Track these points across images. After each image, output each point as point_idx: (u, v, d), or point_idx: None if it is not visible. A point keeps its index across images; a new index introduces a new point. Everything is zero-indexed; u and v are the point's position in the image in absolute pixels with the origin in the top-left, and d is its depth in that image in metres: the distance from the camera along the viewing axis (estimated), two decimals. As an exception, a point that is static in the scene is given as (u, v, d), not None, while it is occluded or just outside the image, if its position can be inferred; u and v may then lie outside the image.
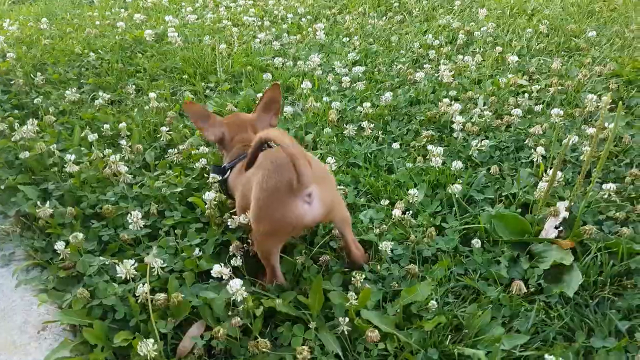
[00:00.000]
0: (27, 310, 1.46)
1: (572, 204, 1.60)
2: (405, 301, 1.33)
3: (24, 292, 1.53)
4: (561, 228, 1.53)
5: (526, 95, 2.34)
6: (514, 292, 1.35)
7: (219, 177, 1.67)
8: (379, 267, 1.47)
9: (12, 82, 2.69)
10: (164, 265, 1.42)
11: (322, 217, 1.29)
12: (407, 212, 1.64)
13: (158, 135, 2.16)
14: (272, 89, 1.66)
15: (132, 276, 1.39)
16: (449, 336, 1.26)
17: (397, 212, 1.62)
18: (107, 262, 1.50)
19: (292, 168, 1.18)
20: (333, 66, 2.79)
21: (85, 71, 2.88)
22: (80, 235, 1.54)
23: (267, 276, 1.42)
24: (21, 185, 1.87)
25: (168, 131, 2.15)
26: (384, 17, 3.64)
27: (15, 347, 1.36)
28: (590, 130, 2.00)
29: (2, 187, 1.89)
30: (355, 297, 1.31)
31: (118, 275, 1.38)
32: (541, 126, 2.06)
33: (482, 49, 2.95)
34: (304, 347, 1.20)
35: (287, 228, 1.26)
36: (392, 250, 1.51)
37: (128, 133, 2.18)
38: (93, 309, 1.38)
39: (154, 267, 1.38)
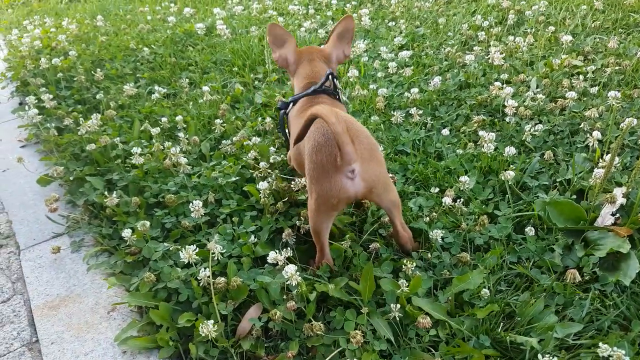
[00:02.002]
0: (98, 292, 1.58)
1: (630, 190, 1.56)
2: (457, 289, 1.34)
3: (94, 275, 1.65)
4: (618, 215, 1.49)
5: (581, 76, 2.27)
6: (568, 280, 1.33)
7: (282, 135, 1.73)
8: (429, 255, 1.48)
9: (74, 79, 2.85)
10: (223, 250, 1.50)
11: (365, 192, 1.32)
12: (458, 200, 1.64)
13: (212, 127, 2.24)
14: (346, 19, 1.70)
15: (194, 261, 1.46)
16: (501, 324, 1.27)
17: (447, 200, 1.63)
18: (170, 248, 1.58)
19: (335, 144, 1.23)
20: (379, 52, 2.78)
21: (140, 66, 3.01)
22: (147, 223, 1.64)
23: (316, 256, 1.48)
24: (88, 176, 2.00)
25: (222, 123, 2.23)
26: (431, -1, 3.58)
27: (88, 326, 1.47)
28: (651, 113, 1.92)
29: (71, 178, 2.03)
30: (406, 284, 1.34)
31: (181, 260, 1.46)
32: (597, 109, 2.00)
33: (533, 29, 2.86)
34: (357, 331, 1.25)
35: (332, 200, 1.30)
36: (442, 238, 1.52)
37: (184, 125, 2.27)
38: (158, 291, 1.47)
39: (214, 253, 1.46)
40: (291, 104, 1.68)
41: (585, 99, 2.16)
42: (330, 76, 1.65)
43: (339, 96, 1.68)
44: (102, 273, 1.65)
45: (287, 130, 1.72)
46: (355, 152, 1.24)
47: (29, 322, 1.52)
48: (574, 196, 1.63)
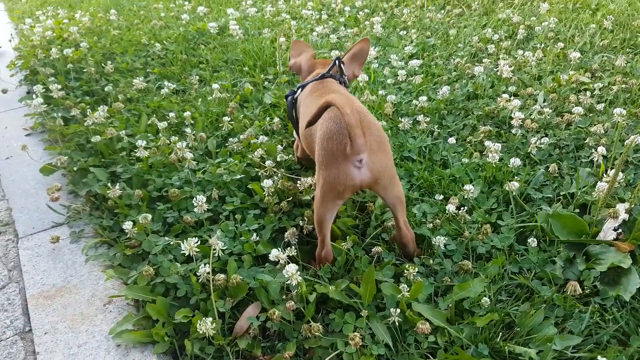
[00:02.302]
0: (95, 284, 1.57)
1: (633, 206, 1.56)
2: (457, 296, 1.34)
3: (92, 267, 1.64)
4: (620, 230, 1.49)
5: (588, 93, 2.27)
6: (568, 292, 1.33)
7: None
8: (431, 261, 1.48)
9: (84, 70, 2.85)
10: (224, 247, 1.49)
11: (370, 182, 1.35)
12: (462, 208, 1.64)
13: (220, 125, 2.24)
14: (363, 42, 1.76)
15: (194, 255, 1.46)
16: (500, 333, 1.26)
17: (451, 207, 1.62)
18: (171, 243, 1.58)
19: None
20: (389, 59, 2.79)
21: (151, 61, 3.02)
22: (149, 216, 1.64)
23: (317, 249, 1.48)
24: (92, 167, 2.00)
25: (229, 121, 2.23)
26: (442, 11, 3.60)
27: (83, 318, 1.46)
28: (656, 131, 1.92)
29: (75, 168, 2.03)
30: (407, 289, 1.34)
31: (181, 253, 1.46)
32: (603, 125, 2.00)
33: (543, 45, 2.87)
34: (355, 334, 1.24)
35: (338, 187, 1.34)
36: (445, 245, 1.52)
37: (192, 121, 2.28)
38: (156, 286, 1.46)
39: (215, 249, 1.45)
40: (299, 89, 1.73)
41: (591, 115, 2.16)
42: (337, 61, 1.71)
43: (345, 82, 1.72)
44: (101, 265, 1.64)
45: (294, 116, 1.76)
46: (365, 143, 1.27)
47: (23, 311, 1.51)
48: (577, 210, 1.63)
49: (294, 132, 1.87)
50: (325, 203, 1.38)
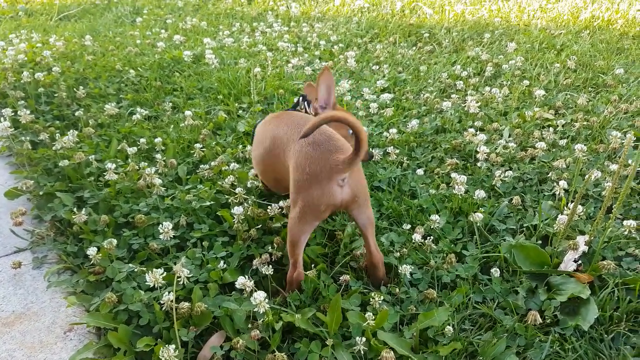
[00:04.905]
0: (56, 311, 1.53)
1: (592, 238, 1.61)
2: (422, 325, 1.35)
3: (53, 293, 1.60)
4: (580, 262, 1.54)
5: (551, 129, 2.36)
6: (529, 322, 1.36)
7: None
8: (397, 290, 1.49)
9: (55, 95, 2.83)
10: (190, 275, 1.48)
11: (349, 200, 1.42)
12: (428, 238, 1.67)
13: (191, 152, 2.24)
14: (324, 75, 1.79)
15: (159, 284, 1.44)
16: (464, 362, 1.28)
17: (417, 237, 1.65)
18: (135, 270, 1.55)
19: (329, 156, 1.36)
20: (362, 92, 2.86)
21: (124, 87, 3.02)
22: (114, 242, 1.61)
23: (289, 271, 1.48)
24: (58, 192, 1.96)
25: (201, 148, 2.23)
26: (414, 47, 3.72)
27: (42, 345, 1.41)
28: (613, 167, 2.01)
29: (41, 192, 1.99)
30: (373, 317, 1.34)
31: (146, 283, 1.44)
32: (565, 160, 2.08)
33: (509, 82, 2.98)
34: (320, 362, 1.23)
35: (320, 207, 1.39)
36: (411, 274, 1.54)
37: (163, 148, 2.27)
38: (119, 313, 1.43)
39: (180, 277, 1.43)
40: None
41: (554, 150, 2.25)
42: (301, 99, 1.79)
43: None
44: (63, 291, 1.60)
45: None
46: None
47: (-21, 339, 1.46)
48: (540, 241, 1.67)
49: None
50: (302, 224, 1.41)
